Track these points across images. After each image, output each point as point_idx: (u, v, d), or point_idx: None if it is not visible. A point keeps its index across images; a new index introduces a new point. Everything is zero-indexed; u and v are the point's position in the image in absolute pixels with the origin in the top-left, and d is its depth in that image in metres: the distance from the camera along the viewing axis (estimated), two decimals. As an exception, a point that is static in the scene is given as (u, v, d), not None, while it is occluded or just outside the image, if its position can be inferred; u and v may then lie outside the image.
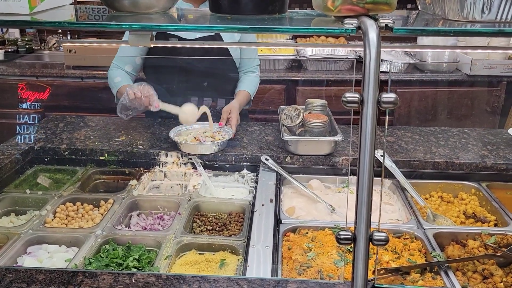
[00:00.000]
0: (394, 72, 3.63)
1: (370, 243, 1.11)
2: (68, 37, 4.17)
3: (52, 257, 1.44)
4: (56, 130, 2.24)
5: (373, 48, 1.00)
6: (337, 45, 3.99)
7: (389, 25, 1.05)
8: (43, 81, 3.63)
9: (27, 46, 4.13)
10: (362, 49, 1.01)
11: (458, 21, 1.11)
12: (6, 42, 4.20)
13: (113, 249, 1.46)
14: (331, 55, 3.71)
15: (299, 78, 3.61)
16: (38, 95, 3.69)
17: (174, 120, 2.35)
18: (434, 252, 1.44)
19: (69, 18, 1.46)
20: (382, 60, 3.71)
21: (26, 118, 2.43)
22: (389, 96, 1.01)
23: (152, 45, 1.29)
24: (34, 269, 1.20)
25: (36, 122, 2.21)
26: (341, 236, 1.11)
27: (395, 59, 3.71)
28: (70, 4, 1.47)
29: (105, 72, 3.54)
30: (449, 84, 3.55)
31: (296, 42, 3.99)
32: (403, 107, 3.59)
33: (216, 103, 2.39)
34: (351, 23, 1.06)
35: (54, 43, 4.08)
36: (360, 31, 1.05)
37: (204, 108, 2.06)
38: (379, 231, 1.12)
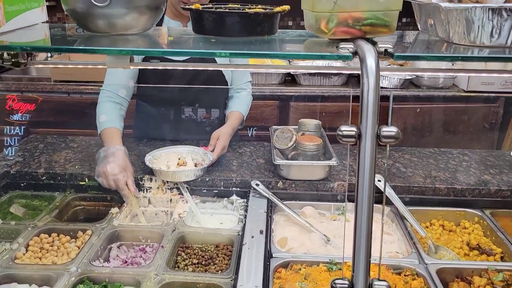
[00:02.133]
0: (390, 88, 3.55)
1: (369, 293, 1.00)
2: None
3: (20, 299, 1.32)
4: (35, 152, 2.11)
5: (372, 77, 0.89)
6: (331, 67, 3.91)
7: (389, 50, 0.95)
8: (29, 96, 3.51)
9: (13, 60, 4.00)
10: (358, 65, 0.92)
11: (464, 45, 1.01)
12: (-9, 56, 4.08)
13: (88, 289, 1.34)
14: (325, 69, 3.61)
15: (293, 93, 3.51)
16: (26, 108, 3.58)
17: (159, 142, 2.24)
18: (438, 291, 1.33)
19: (41, 38, 1.35)
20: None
21: (14, 131, 2.32)
22: (389, 130, 0.90)
23: (131, 67, 1.19)
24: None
25: (15, 143, 2.10)
26: (337, 285, 0.99)
27: (390, 74, 3.62)
28: (43, 22, 1.36)
29: (92, 87, 3.44)
30: (445, 100, 3.46)
31: (290, 62, 3.91)
32: (398, 124, 3.50)
33: (210, 114, 2.28)
34: (346, 48, 0.96)
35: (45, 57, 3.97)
36: (357, 57, 0.95)
37: None
38: (379, 280, 1.00)
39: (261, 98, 3.47)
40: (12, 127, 3.53)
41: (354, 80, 3.73)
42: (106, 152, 1.81)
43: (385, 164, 1.95)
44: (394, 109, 3.53)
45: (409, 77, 3.57)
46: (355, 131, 0.91)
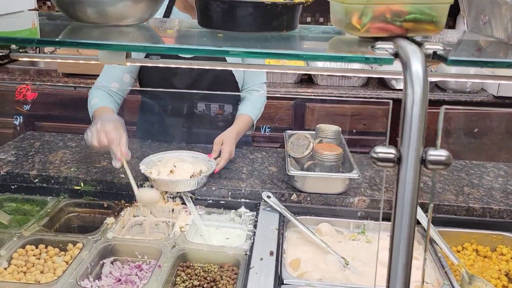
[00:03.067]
0: (413, 90, 3.33)
1: None
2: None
3: (-5, 323, 1.16)
4: (30, 151, 1.96)
5: (418, 86, 0.70)
6: (359, 70, 3.70)
7: (438, 52, 0.76)
8: (34, 88, 3.38)
9: (21, 51, 3.88)
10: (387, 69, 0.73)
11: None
12: (-2, 46, 3.96)
13: (72, 315, 1.17)
14: (344, 69, 3.41)
15: (309, 94, 3.32)
16: (31, 100, 3.44)
17: (164, 144, 2.07)
18: (476, 336, 1.14)
19: (28, 28, 1.19)
20: (400, 78, 3.40)
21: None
22: (438, 154, 0.71)
23: (128, 64, 1.02)
24: None
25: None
26: None
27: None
28: (30, 10, 1.20)
29: (99, 82, 3.30)
30: (473, 105, 3.23)
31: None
32: (422, 129, 3.28)
33: (223, 110, 2.11)
34: (385, 49, 0.77)
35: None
36: (398, 60, 0.76)
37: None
38: None
39: (275, 98, 3.28)
40: (17, 120, 3.39)
41: (375, 81, 3.52)
42: (99, 119, 1.66)
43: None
44: (417, 114, 3.31)
45: (434, 80, 3.35)
46: (394, 154, 0.72)
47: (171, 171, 1.68)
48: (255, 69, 2.10)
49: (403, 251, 0.75)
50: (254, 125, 2.13)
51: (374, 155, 0.73)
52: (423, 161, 0.72)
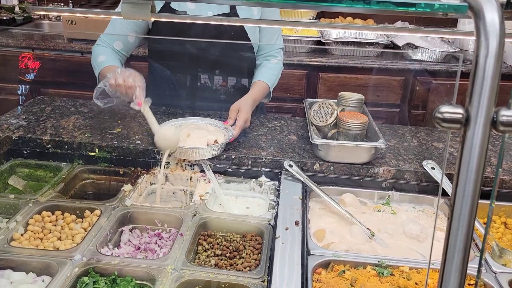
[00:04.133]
0: (430, 62, 3.23)
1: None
2: (70, 6, 3.80)
3: (15, 290, 1.12)
4: (41, 115, 1.89)
5: (494, 38, 0.62)
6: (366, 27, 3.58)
7: (513, 1, 0.68)
8: (40, 54, 3.28)
9: (25, 15, 3.76)
10: (396, 33, 0.66)
11: None
12: (2, 10, 3.84)
13: (94, 283, 1.13)
14: (359, 38, 3.30)
15: (323, 63, 3.22)
16: (37, 66, 3.35)
17: (180, 110, 2.00)
18: (513, 310, 1.10)
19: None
20: (416, 47, 3.30)
21: (22, 89, 2.12)
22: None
23: (152, 19, 0.94)
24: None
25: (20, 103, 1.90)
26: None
27: (431, 46, 3.29)
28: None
29: (107, 48, 3.19)
30: (508, 78, 3.12)
31: (320, 21, 3.60)
32: (438, 102, 3.20)
33: (227, 83, 2.03)
34: (453, -3, 0.69)
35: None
36: (469, 10, 0.68)
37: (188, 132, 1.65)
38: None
39: (288, 67, 3.19)
40: (23, 86, 3.31)
41: (390, 52, 3.41)
42: (116, 72, 1.66)
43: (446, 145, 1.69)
44: (433, 86, 3.22)
45: (452, 50, 3.25)
46: (462, 114, 0.65)
47: (188, 135, 1.62)
48: (273, 33, 2.00)
49: (464, 221, 0.69)
50: (271, 93, 2.05)
51: (439, 115, 0.65)
52: (494, 122, 0.65)
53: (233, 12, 1.86)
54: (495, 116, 0.65)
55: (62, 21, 3.60)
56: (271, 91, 2.04)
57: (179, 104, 2.03)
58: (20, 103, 1.92)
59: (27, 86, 3.32)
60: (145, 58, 2.13)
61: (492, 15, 0.64)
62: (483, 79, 0.64)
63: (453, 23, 3.70)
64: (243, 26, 1.86)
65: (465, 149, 0.67)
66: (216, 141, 1.63)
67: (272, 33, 2.03)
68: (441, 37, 3.45)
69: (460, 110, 0.66)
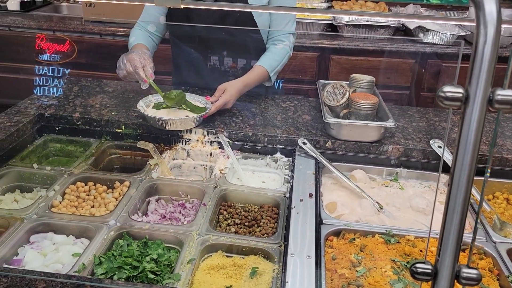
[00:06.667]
0: (441, 45, 3.28)
1: (456, 281, 0.87)
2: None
3: (58, 250, 1.25)
4: (69, 94, 2.01)
5: (492, 26, 0.72)
6: (377, 13, 3.62)
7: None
8: (60, 36, 3.39)
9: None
10: (406, 19, 0.74)
11: None
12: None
13: (128, 245, 1.26)
14: (371, 21, 3.35)
15: (334, 46, 3.28)
16: (57, 47, 3.45)
17: (198, 90, 2.10)
18: None
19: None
20: (427, 30, 3.34)
21: (45, 70, 2.22)
22: (506, 94, 0.74)
23: (182, 6, 1.04)
24: (34, 278, 1.00)
25: (44, 83, 2.01)
26: (419, 270, 0.87)
27: (442, 29, 3.33)
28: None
29: (125, 30, 3.29)
30: (504, 61, 3.18)
31: (332, 5, 3.64)
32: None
33: (237, 64, 2.12)
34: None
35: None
36: (470, 1, 0.77)
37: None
38: (469, 267, 0.87)
39: (300, 49, 3.26)
40: (42, 67, 3.43)
41: (401, 34, 3.46)
42: (126, 54, 1.84)
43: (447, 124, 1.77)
44: (443, 69, 3.28)
45: (463, 33, 3.29)
46: (462, 93, 0.75)
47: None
48: (283, 17, 2.06)
49: (461, 192, 0.79)
50: (272, 78, 2.07)
51: (442, 94, 0.75)
52: (490, 101, 0.74)
53: None
54: (491, 95, 0.75)
55: (81, 4, 3.69)
56: (271, 75, 2.05)
57: (196, 82, 2.13)
58: (44, 83, 2.03)
59: (45, 67, 3.43)
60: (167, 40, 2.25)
61: (490, 6, 0.73)
62: (481, 62, 0.74)
63: (464, 8, 3.73)
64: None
65: (465, 124, 0.77)
66: (187, 116, 1.74)
67: (282, 17, 2.07)
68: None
69: (461, 90, 0.75)
